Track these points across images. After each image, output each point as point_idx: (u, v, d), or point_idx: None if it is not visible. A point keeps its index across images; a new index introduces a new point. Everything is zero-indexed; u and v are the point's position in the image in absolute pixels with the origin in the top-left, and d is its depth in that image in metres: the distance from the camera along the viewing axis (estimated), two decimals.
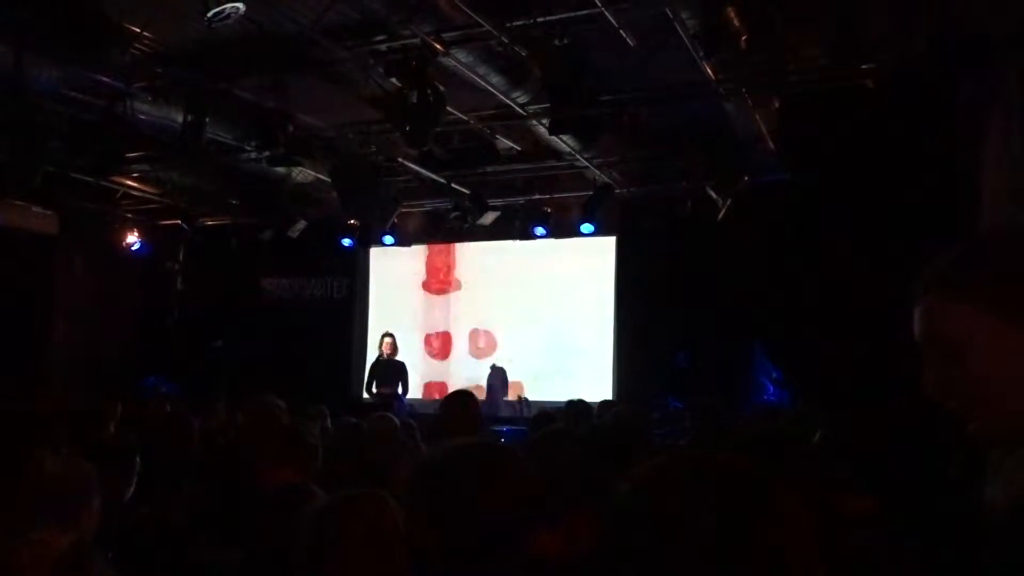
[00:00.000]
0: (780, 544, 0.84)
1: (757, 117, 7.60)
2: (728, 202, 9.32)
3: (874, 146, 7.81)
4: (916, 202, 7.20)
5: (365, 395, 10.65)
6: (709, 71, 6.76)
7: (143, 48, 6.86)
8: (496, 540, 1.42)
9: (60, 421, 4.28)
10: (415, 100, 6.66)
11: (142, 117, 7.70)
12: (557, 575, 1.45)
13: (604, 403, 6.64)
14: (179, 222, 12.03)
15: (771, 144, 8.21)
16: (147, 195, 11.10)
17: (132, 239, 12.27)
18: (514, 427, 9.13)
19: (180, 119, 7.42)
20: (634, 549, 0.85)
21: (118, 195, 11.12)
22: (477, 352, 11.80)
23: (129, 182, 10.60)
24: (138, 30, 6.56)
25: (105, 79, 7.13)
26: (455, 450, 1.59)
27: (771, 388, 8.88)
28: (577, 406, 5.83)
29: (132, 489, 3.37)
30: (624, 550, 0.86)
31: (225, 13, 4.96)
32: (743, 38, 5.90)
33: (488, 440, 1.67)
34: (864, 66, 6.66)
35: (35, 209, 10.71)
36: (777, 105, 7.65)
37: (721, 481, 0.88)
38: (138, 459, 3.42)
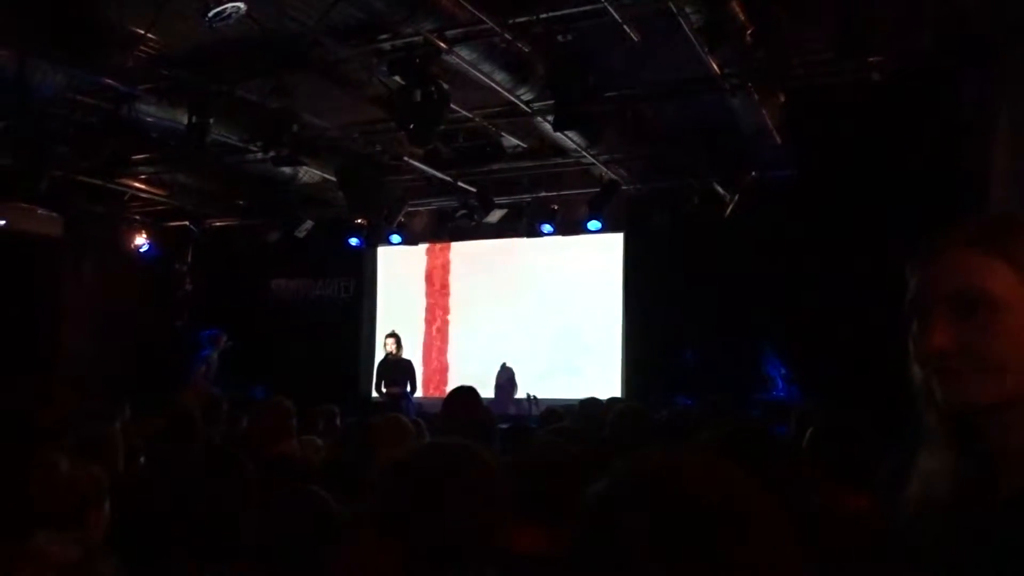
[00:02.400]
0: (748, 555, 0.80)
1: (763, 112, 7.56)
2: (735, 197, 9.29)
3: (881, 140, 7.75)
4: (923, 196, 7.14)
5: (374, 394, 10.66)
6: (714, 66, 6.72)
7: (147, 51, 6.87)
8: (460, 539, 1.40)
9: (67, 423, 4.28)
10: (419, 98, 6.65)
11: (148, 119, 7.75)
12: (540, 573, 1.43)
13: (610, 401, 6.60)
14: (187, 224, 12.09)
15: (777, 139, 8.16)
16: (154, 197, 11.12)
17: (140, 241, 12.32)
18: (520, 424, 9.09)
19: (185, 121, 7.44)
20: (598, 557, 0.81)
21: (125, 197, 11.14)
22: None
23: (136, 184, 10.63)
24: (142, 33, 6.57)
25: (110, 82, 7.15)
26: (415, 451, 1.57)
27: (780, 383, 8.84)
28: (589, 405, 5.77)
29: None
30: (589, 558, 0.82)
31: (226, 13, 4.97)
32: (748, 32, 5.88)
33: (454, 439, 1.64)
34: (870, 59, 6.60)
35: (40, 212, 10.74)
36: (783, 99, 7.62)
37: (688, 488, 0.83)
38: (142, 460, 3.42)
